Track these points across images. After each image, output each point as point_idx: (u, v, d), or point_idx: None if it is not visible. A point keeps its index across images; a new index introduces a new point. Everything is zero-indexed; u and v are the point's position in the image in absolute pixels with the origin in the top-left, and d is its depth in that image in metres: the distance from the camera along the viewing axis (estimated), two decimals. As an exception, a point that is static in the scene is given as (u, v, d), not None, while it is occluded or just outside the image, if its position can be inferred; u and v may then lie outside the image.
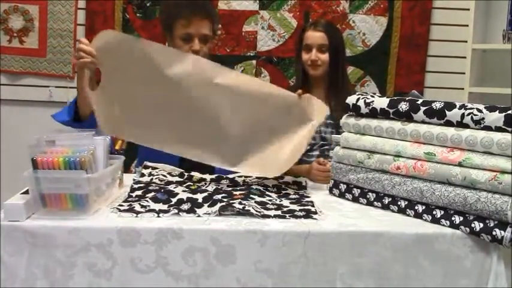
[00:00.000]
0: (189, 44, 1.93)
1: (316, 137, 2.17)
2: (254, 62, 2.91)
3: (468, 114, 1.34)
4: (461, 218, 1.35)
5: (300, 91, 1.77)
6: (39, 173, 1.33)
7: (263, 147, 1.76)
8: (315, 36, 2.14)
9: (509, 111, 1.28)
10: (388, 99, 1.52)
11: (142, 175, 1.79)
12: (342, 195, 1.64)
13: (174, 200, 1.51)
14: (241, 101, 1.72)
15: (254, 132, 1.75)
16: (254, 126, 1.75)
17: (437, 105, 1.41)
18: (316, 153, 2.15)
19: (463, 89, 2.75)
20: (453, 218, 1.37)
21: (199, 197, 1.52)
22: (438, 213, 1.40)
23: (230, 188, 1.66)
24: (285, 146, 1.75)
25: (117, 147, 1.91)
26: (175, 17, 1.94)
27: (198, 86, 1.69)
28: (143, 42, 1.69)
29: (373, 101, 1.55)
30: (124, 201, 1.51)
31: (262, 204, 1.49)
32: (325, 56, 2.14)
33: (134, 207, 1.45)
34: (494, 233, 1.29)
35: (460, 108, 1.36)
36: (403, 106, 1.47)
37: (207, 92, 1.69)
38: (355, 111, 1.59)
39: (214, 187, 1.67)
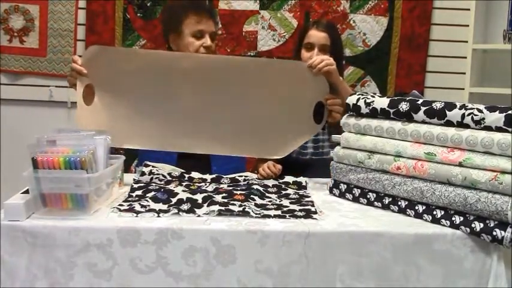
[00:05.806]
0: (200, 40, 1.98)
1: None
2: (254, 62, 2.91)
3: (468, 115, 1.34)
4: (462, 218, 1.35)
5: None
6: (39, 172, 1.33)
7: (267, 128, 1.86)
8: (319, 36, 2.14)
9: (510, 112, 1.28)
10: (388, 99, 1.52)
11: (143, 173, 1.79)
12: (342, 195, 1.64)
13: (174, 200, 1.51)
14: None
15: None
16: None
17: (437, 106, 1.41)
18: (311, 150, 2.15)
19: (463, 89, 2.75)
20: (453, 218, 1.37)
21: (199, 197, 1.52)
22: (438, 213, 1.40)
23: (231, 188, 1.66)
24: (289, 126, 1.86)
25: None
26: (183, 15, 1.99)
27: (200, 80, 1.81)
28: (141, 51, 1.80)
29: (373, 101, 1.55)
30: (124, 201, 1.51)
31: (262, 206, 1.49)
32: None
33: (134, 207, 1.45)
34: (494, 233, 1.29)
35: (460, 109, 1.36)
36: (404, 106, 1.47)
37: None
38: (356, 111, 1.59)
39: (215, 187, 1.68)
